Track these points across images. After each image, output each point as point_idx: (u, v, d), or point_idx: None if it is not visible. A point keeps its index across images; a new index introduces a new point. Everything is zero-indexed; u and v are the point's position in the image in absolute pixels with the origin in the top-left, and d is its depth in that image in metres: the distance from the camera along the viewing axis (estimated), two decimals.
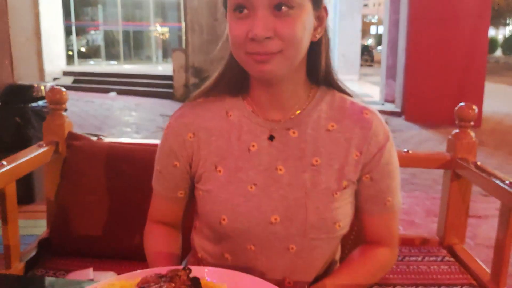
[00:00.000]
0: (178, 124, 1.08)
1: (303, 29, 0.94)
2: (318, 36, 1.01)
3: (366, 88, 13.03)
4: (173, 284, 0.80)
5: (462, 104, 1.73)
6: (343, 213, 1.03)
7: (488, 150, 6.41)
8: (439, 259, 1.66)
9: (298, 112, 1.05)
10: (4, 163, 1.45)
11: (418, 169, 5.10)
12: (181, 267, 0.85)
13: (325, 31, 1.03)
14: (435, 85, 7.85)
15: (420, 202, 4.20)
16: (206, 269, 0.90)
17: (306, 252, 1.02)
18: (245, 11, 0.92)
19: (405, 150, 1.77)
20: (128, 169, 1.66)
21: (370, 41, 45.82)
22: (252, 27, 0.91)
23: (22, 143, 3.18)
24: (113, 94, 12.06)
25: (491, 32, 39.79)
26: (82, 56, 20.79)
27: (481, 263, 1.63)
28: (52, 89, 1.77)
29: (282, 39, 0.92)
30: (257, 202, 1.02)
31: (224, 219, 1.03)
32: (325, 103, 1.06)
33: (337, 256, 1.17)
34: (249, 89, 1.07)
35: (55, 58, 13.95)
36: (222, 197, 1.04)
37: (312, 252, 1.03)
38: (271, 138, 1.04)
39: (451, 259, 1.68)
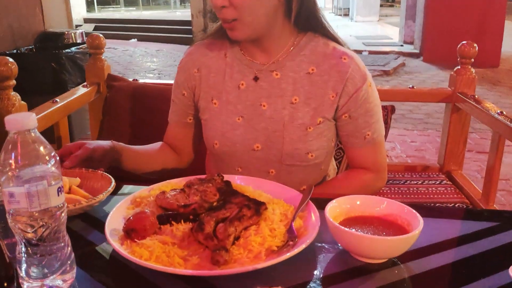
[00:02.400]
0: (187, 60, 1.30)
1: None
2: None
3: (385, 30, 12.79)
4: (211, 184, 1.04)
5: (464, 42, 1.87)
6: (316, 145, 1.22)
7: (504, 90, 6.41)
8: (438, 182, 1.87)
9: (281, 56, 1.22)
10: (58, 100, 1.69)
11: (433, 109, 5.23)
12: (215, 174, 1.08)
13: None
14: (454, 26, 7.72)
15: (432, 139, 4.36)
16: (236, 177, 1.13)
17: (284, 176, 1.24)
18: None
19: (410, 86, 1.94)
20: (160, 105, 1.88)
21: None
22: None
23: (58, 86, 3.43)
24: (134, 40, 12.16)
25: None
26: (101, 3, 20.66)
27: (474, 185, 1.83)
28: (91, 35, 1.98)
29: (235, 7, 1.10)
30: (243, 131, 1.24)
31: (216, 143, 1.27)
32: (308, 49, 1.22)
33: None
34: None
35: (75, 5, 13.94)
36: (215, 125, 1.26)
37: (290, 176, 1.24)
38: (255, 79, 1.23)
39: (449, 182, 1.88)
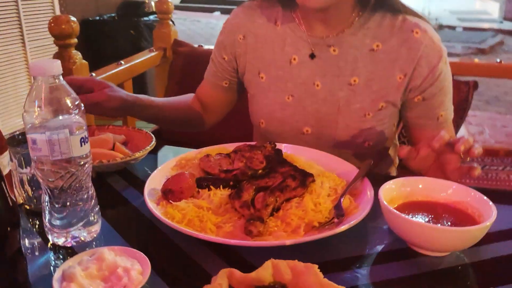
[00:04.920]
0: (232, 23, 1.19)
1: None
2: None
3: (485, 4, 11.77)
4: (259, 152, 0.96)
5: None
6: (374, 133, 1.08)
7: None
8: None
9: (342, 30, 1.06)
10: (122, 62, 1.70)
11: None
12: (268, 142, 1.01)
13: None
14: None
15: None
16: (289, 145, 1.05)
17: None
18: None
19: (498, 60, 1.71)
20: None
21: None
22: None
23: (136, 53, 3.52)
24: (217, 13, 12.30)
25: None
26: None
27: None
28: (160, 0, 1.96)
29: None
30: (291, 112, 1.12)
31: (262, 122, 1.17)
32: (373, 21, 1.05)
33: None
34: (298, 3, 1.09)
35: None
36: (262, 102, 1.15)
37: None
38: (311, 56, 1.09)
39: None
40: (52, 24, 1.36)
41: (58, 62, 0.66)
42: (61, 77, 0.67)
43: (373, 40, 1.05)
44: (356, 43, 1.06)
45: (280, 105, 1.13)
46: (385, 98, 1.06)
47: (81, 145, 0.68)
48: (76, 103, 0.68)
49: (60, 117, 0.67)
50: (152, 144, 1.03)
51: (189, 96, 1.30)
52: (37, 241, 0.76)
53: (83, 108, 0.70)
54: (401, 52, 1.03)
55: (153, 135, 1.07)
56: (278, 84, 1.13)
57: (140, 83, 2.83)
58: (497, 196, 0.83)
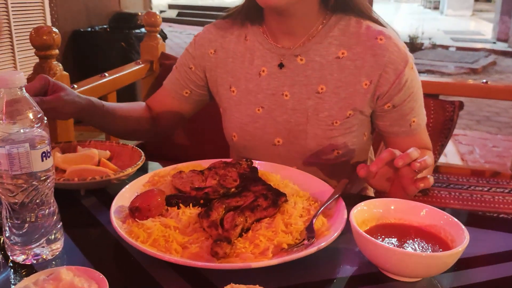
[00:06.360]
0: (204, 37, 1.18)
1: None
2: None
3: (478, 26, 11.92)
4: (234, 169, 0.94)
5: None
6: (343, 141, 1.08)
7: None
8: (507, 191, 1.65)
9: (307, 39, 1.07)
10: (106, 74, 1.69)
11: None
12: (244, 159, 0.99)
13: None
14: None
15: None
16: (258, 162, 1.03)
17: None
18: None
19: (483, 81, 1.72)
20: None
21: None
22: None
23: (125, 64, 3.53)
24: None
25: None
26: None
27: None
28: (148, 12, 1.96)
29: None
30: (262, 123, 1.12)
31: (234, 136, 1.16)
32: (338, 29, 1.06)
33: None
34: (264, 17, 1.11)
35: None
36: (234, 115, 1.14)
37: (314, 174, 1.05)
38: (280, 65, 1.09)
39: None
40: (34, 35, 1.34)
41: (21, 74, 0.65)
42: (23, 90, 0.66)
43: (338, 48, 1.06)
44: (321, 51, 1.07)
45: (251, 118, 1.13)
46: (353, 106, 1.06)
47: (43, 160, 0.66)
48: (39, 116, 0.67)
49: (21, 131, 0.65)
50: (142, 159, 1.01)
51: (139, 104, 1.26)
52: None
53: (46, 121, 0.68)
54: (367, 59, 1.03)
55: (141, 150, 1.05)
56: (248, 97, 1.13)
57: (130, 95, 2.81)
58: (474, 219, 0.82)
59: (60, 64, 1.39)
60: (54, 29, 1.35)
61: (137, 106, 1.25)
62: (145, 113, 1.23)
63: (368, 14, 1.08)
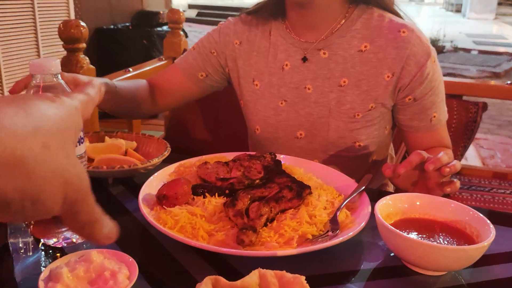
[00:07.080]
0: (230, 27, 1.20)
1: None
2: None
3: (501, 29, 11.73)
4: (258, 161, 0.96)
5: None
6: (365, 133, 1.08)
7: None
8: None
9: (330, 33, 1.08)
10: (130, 69, 1.72)
11: None
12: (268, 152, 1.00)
13: None
14: None
15: None
16: (283, 156, 1.04)
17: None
18: None
19: (508, 82, 1.70)
20: None
21: None
22: None
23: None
24: None
25: None
26: None
27: None
28: (172, 9, 1.99)
29: None
30: (285, 116, 1.13)
31: (257, 129, 1.17)
32: (360, 22, 1.07)
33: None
34: (287, 12, 1.13)
35: None
36: (257, 109, 1.16)
37: (336, 167, 1.06)
38: (304, 59, 1.11)
39: None
40: (62, 28, 1.37)
41: (57, 61, 0.67)
42: (59, 76, 0.68)
43: (361, 41, 1.07)
44: (344, 45, 1.08)
45: (274, 111, 1.14)
46: (374, 98, 1.07)
47: (77, 145, 0.68)
48: None
49: None
50: (168, 150, 1.03)
51: (140, 82, 1.22)
52: (28, 240, 0.76)
53: None
54: (389, 51, 1.04)
55: (166, 141, 1.07)
56: (271, 90, 1.14)
57: None
58: (498, 217, 0.81)
59: (87, 58, 1.42)
60: (82, 23, 1.38)
61: (140, 85, 1.21)
62: (146, 91, 1.21)
63: (390, 7, 1.09)
